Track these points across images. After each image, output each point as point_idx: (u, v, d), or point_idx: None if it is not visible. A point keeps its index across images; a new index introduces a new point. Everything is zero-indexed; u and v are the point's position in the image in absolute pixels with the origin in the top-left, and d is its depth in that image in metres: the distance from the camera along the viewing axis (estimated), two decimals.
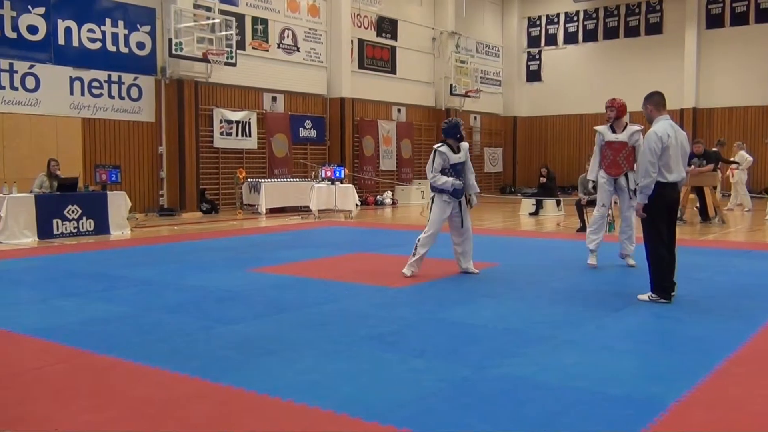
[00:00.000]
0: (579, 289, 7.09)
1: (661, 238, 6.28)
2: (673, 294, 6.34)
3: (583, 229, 12.77)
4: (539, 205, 16.96)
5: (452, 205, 7.81)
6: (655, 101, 6.46)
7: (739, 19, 24.46)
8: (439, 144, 7.85)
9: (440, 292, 6.95)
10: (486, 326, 5.47)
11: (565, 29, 28.26)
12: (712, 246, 10.73)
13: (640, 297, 6.39)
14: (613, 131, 8.27)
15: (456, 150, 7.81)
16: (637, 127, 8.20)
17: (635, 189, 7.47)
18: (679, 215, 13.89)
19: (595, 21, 27.48)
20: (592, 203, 12.81)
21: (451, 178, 7.68)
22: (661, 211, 6.30)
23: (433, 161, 7.71)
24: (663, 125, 6.31)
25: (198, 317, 5.84)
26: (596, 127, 8.54)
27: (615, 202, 8.78)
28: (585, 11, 27.66)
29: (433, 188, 7.82)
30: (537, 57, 29.10)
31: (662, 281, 6.27)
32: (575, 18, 27.95)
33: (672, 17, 25.66)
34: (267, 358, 4.58)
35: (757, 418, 3.55)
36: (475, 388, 3.97)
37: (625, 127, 8.24)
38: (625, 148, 8.17)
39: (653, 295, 6.31)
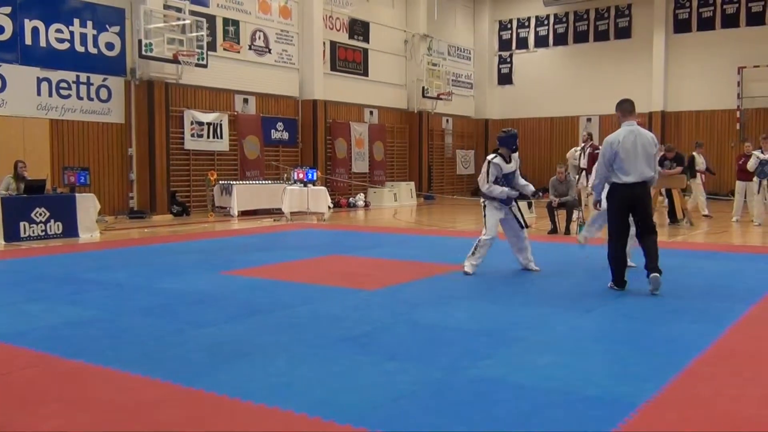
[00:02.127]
0: (551, 291, 7.14)
1: (616, 235, 6.89)
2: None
3: (554, 231, 12.89)
4: None
5: (504, 210, 8.13)
6: (622, 108, 6.98)
7: (706, 24, 24.88)
8: (493, 155, 8.14)
9: (413, 295, 6.96)
10: (459, 328, 5.49)
11: (536, 33, 28.51)
12: (681, 247, 10.88)
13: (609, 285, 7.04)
14: None
15: (508, 160, 8.08)
16: None
17: None
18: (677, 218, 14.25)
19: (565, 25, 27.75)
20: (562, 205, 12.96)
21: (506, 188, 8.02)
22: (617, 210, 6.84)
23: (488, 173, 8.00)
24: (618, 132, 6.84)
25: (169, 321, 5.79)
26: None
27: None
28: (555, 15, 27.93)
29: (485, 196, 8.13)
30: (508, 60, 29.31)
31: (614, 272, 6.98)
32: (546, 22, 28.20)
33: (640, 22, 26.02)
34: (239, 362, 4.55)
35: (726, 417, 3.60)
36: (449, 390, 3.98)
37: None
38: None
39: (611, 283, 7.02)
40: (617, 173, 6.74)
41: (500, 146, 8.16)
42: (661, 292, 6.76)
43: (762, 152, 14.17)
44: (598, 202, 7.34)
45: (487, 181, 8.01)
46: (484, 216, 8.16)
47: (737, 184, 15.19)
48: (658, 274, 6.66)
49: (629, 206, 6.82)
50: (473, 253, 8.07)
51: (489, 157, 8.15)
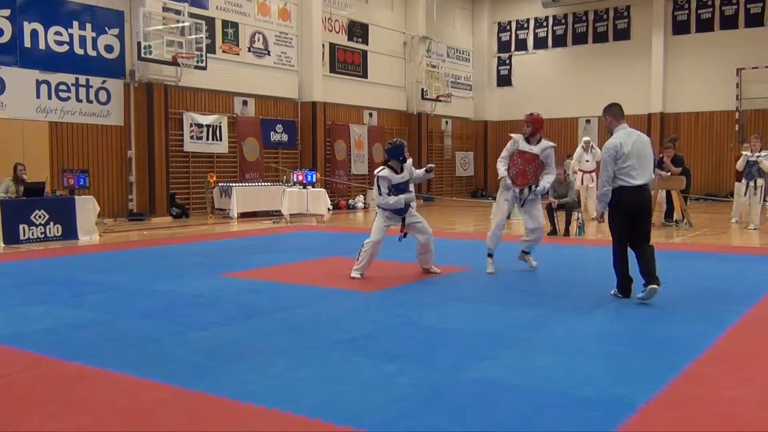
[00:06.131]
0: (549, 292, 7.14)
1: (620, 241, 6.60)
2: (648, 288, 6.34)
3: (553, 232, 12.89)
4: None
5: (395, 219, 8.13)
6: (613, 112, 6.78)
7: (704, 26, 24.90)
8: (380, 169, 8.13)
9: (412, 296, 6.96)
10: (458, 329, 5.49)
11: (535, 34, 28.51)
12: (680, 249, 10.88)
13: (612, 292, 6.79)
14: (528, 143, 8.34)
15: (399, 171, 8.05)
16: (550, 144, 8.37)
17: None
18: (676, 219, 14.23)
19: (564, 26, 27.76)
20: (562, 207, 12.96)
21: (401, 196, 7.99)
22: (625, 215, 6.55)
23: (379, 188, 8.00)
24: (618, 135, 6.61)
25: (168, 323, 5.78)
26: (512, 135, 8.62)
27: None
28: (554, 17, 27.93)
29: (379, 205, 8.17)
30: (507, 62, 29.31)
31: (620, 279, 6.68)
32: (545, 23, 28.21)
33: (639, 23, 26.03)
34: (238, 364, 4.55)
35: (725, 418, 3.60)
36: (448, 392, 3.98)
37: (539, 142, 8.34)
38: (536, 161, 8.27)
39: (615, 290, 6.75)
40: (623, 177, 6.46)
41: (389, 158, 8.11)
42: (660, 293, 6.76)
43: (751, 152, 13.91)
44: (603, 214, 6.74)
45: (380, 194, 8.03)
46: (374, 221, 8.23)
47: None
48: (657, 286, 6.36)
49: (636, 212, 6.51)
50: (357, 260, 8.13)
51: (376, 171, 8.15)
